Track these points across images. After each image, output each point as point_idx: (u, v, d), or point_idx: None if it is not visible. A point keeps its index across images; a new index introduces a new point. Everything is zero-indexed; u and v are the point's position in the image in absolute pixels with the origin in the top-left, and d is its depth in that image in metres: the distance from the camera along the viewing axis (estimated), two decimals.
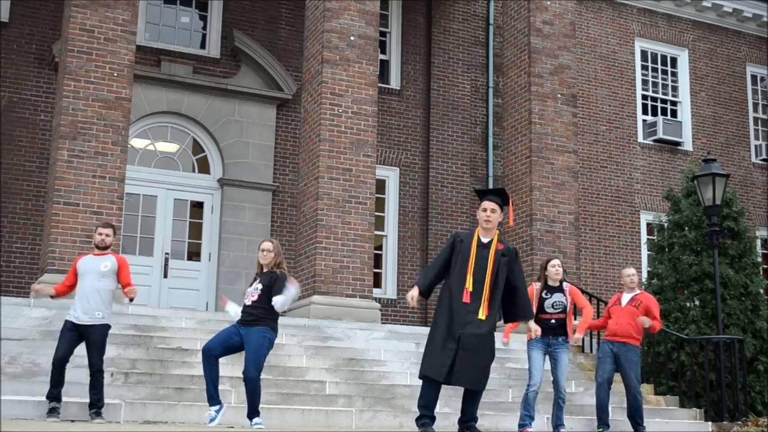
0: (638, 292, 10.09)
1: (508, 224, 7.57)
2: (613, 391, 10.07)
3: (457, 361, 6.87)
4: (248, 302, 8.00)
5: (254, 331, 7.89)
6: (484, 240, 7.25)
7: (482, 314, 7.00)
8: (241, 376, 8.80)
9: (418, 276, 7.39)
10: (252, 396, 7.89)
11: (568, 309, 9.35)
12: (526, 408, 9.16)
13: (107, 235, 8.58)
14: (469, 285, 7.02)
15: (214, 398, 7.92)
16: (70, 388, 8.68)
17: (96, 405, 8.22)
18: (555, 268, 9.38)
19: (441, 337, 6.98)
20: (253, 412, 7.92)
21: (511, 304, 7.32)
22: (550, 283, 9.39)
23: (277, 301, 7.95)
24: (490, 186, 17.48)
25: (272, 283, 8.03)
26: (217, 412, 7.90)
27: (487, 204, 7.30)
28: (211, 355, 7.88)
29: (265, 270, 8.18)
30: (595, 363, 12.63)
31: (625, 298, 10.02)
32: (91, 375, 8.25)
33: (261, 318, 7.93)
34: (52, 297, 8.69)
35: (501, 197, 7.41)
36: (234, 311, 8.16)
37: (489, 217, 7.25)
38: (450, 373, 6.90)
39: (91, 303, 8.31)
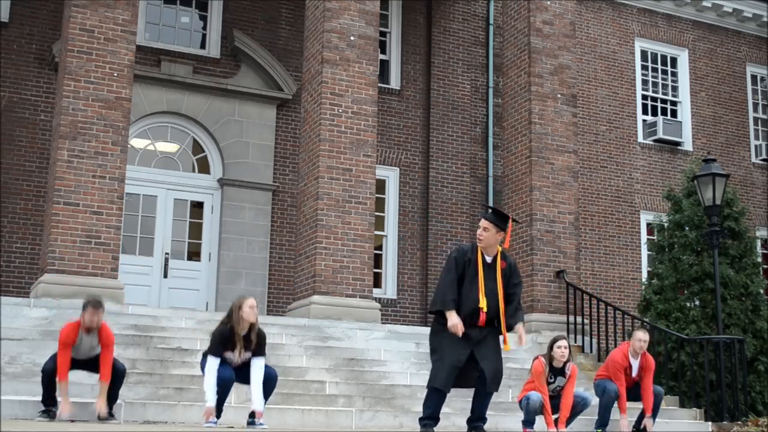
0: (640, 358, 10.07)
1: (503, 245, 7.60)
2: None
3: (488, 373, 7.14)
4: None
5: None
6: (488, 258, 7.36)
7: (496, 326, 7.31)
8: None
9: (438, 296, 7.41)
10: (269, 395, 8.00)
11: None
12: (527, 417, 9.17)
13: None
14: (483, 306, 7.16)
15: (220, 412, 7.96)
16: (71, 388, 8.66)
17: (110, 404, 8.20)
18: (561, 350, 9.25)
19: (452, 352, 7.15)
20: (262, 404, 8.01)
21: (504, 312, 7.45)
22: (554, 364, 9.28)
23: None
24: (490, 186, 17.49)
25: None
26: (215, 423, 7.88)
27: (482, 222, 7.45)
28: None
29: (248, 332, 7.92)
30: (595, 363, 12.66)
31: (635, 365, 10.00)
32: (119, 376, 8.28)
33: None
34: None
35: (498, 219, 7.44)
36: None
37: (480, 235, 7.40)
38: (468, 381, 7.26)
39: None
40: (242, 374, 8.00)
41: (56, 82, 13.56)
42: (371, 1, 13.85)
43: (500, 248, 7.46)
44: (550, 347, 9.31)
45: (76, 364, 8.24)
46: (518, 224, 13.93)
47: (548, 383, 9.21)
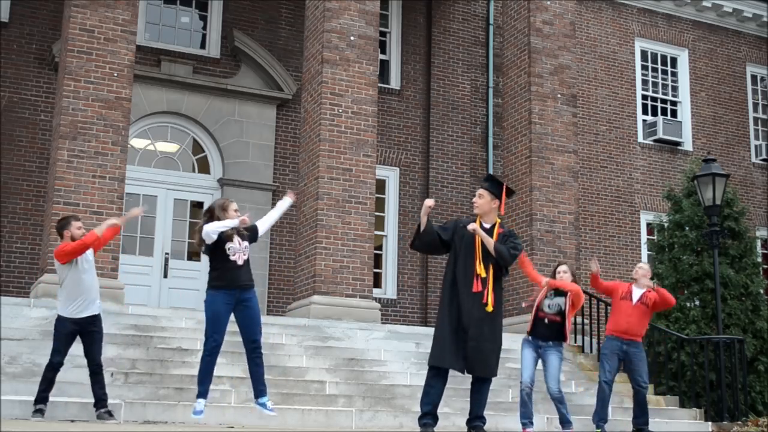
0: (645, 289, 9.92)
1: (500, 212, 7.74)
2: (613, 392, 10.06)
3: (469, 353, 7.19)
4: (240, 262, 7.65)
5: (254, 295, 7.76)
6: (486, 226, 7.53)
7: (489, 300, 7.30)
8: (241, 376, 8.78)
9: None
10: (262, 366, 7.72)
11: (566, 313, 9.15)
12: (523, 412, 9.15)
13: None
14: (481, 271, 7.28)
15: (208, 391, 7.76)
16: (70, 388, 8.70)
17: (105, 401, 8.17)
18: (560, 275, 9.22)
19: (451, 328, 7.25)
20: (264, 386, 7.72)
21: None
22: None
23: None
24: None
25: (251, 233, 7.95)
26: (204, 406, 7.75)
27: (478, 190, 7.69)
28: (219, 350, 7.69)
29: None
30: (595, 363, 12.64)
31: (636, 293, 9.87)
32: (98, 372, 8.19)
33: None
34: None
35: (491, 186, 7.66)
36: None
37: (475, 202, 7.65)
38: (463, 362, 7.24)
39: (96, 295, 8.38)
40: (242, 314, 7.69)
41: (56, 82, 13.56)
42: (371, 1, 13.86)
43: (499, 220, 7.63)
44: (553, 274, 9.32)
45: (74, 326, 8.20)
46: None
47: (545, 299, 9.12)
